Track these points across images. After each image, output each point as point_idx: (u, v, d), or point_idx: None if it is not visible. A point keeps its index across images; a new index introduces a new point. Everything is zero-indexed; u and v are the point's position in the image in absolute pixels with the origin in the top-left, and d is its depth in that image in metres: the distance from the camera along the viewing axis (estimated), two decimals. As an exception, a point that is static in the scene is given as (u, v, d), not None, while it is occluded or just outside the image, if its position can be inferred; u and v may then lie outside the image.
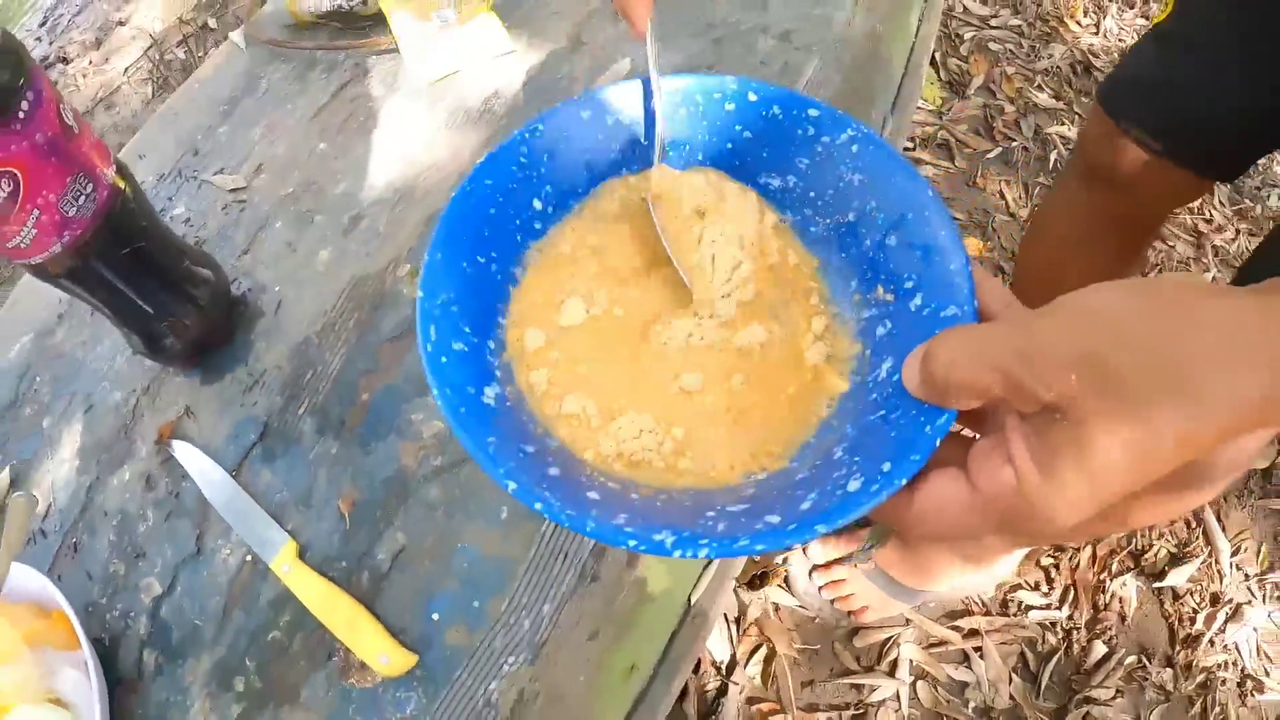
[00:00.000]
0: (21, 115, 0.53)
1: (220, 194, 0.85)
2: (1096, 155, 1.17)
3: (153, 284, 0.67)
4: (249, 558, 0.65)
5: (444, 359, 0.44)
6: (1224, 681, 1.57)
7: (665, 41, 0.86)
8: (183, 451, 0.69)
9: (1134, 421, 0.31)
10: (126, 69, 2.74)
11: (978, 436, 0.40)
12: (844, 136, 0.53)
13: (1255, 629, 1.63)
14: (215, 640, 0.65)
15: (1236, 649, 1.62)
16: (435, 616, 0.61)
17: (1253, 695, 1.57)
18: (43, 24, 3.05)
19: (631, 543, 0.38)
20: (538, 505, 0.38)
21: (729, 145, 0.56)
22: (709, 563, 0.92)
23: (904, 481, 0.38)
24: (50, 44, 2.94)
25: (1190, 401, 0.30)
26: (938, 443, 0.40)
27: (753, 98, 0.55)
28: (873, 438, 0.44)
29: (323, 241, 0.78)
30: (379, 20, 0.93)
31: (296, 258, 0.78)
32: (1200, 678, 1.57)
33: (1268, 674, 1.60)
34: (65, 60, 2.84)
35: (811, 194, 0.55)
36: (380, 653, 0.58)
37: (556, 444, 0.47)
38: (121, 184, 0.62)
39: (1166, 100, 1.07)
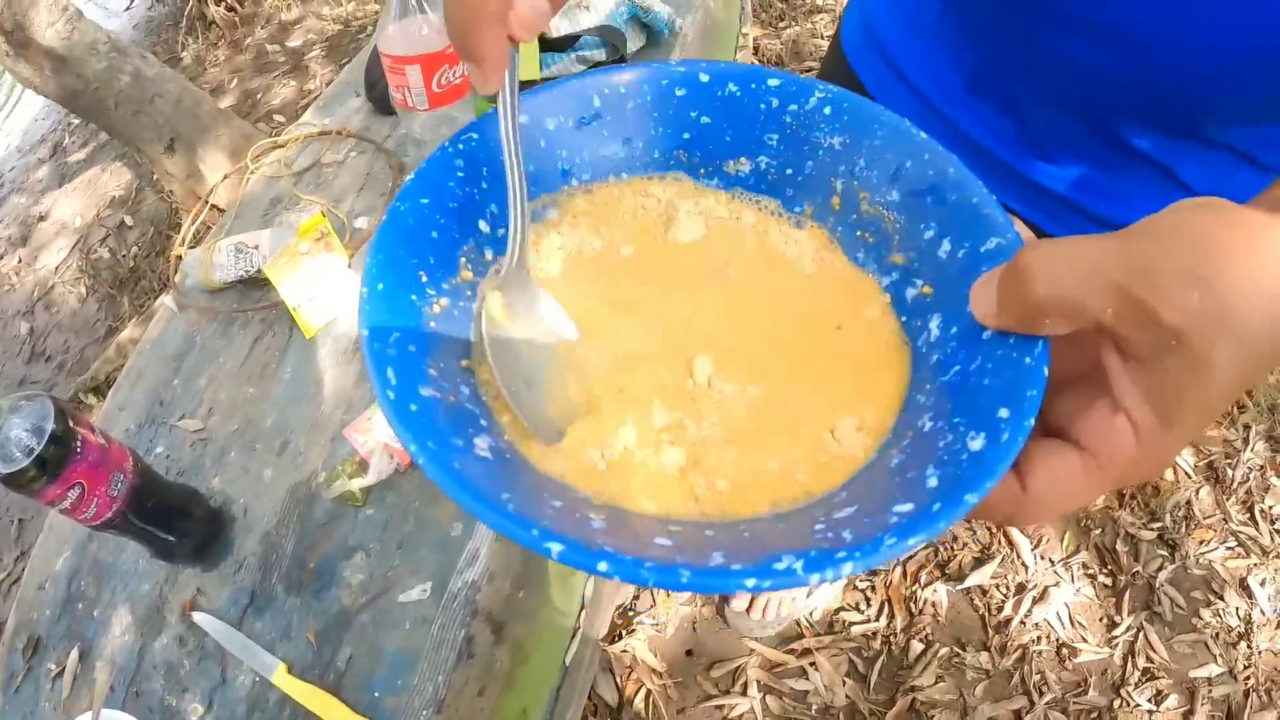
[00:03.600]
0: (78, 449, 0.86)
1: (187, 435, 1.17)
2: None
3: (164, 518, 0.99)
4: (257, 679, 0.96)
5: (413, 407, 0.36)
6: (1040, 653, 1.76)
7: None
8: (201, 619, 1.01)
9: (1243, 348, 0.29)
10: (57, 268, 2.95)
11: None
12: (813, 101, 0.49)
13: (1066, 604, 1.82)
14: (245, 734, 0.96)
15: (1048, 624, 1.79)
16: (376, 693, 0.92)
17: (1070, 660, 1.76)
18: (-40, 215, 3.29)
19: (750, 581, 0.30)
20: (601, 566, 0.31)
21: (686, 136, 0.51)
22: (576, 629, 1.27)
23: (1032, 423, 0.34)
24: (-27, 237, 3.18)
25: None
26: (1045, 373, 0.35)
27: (704, 78, 0.50)
28: (961, 395, 0.39)
29: (265, 463, 1.11)
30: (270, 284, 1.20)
31: (249, 476, 1.11)
32: (1016, 654, 1.76)
33: (1084, 639, 1.78)
34: (-5, 257, 3.07)
35: (789, 171, 0.51)
36: (346, 720, 0.92)
37: (590, 497, 0.39)
38: (139, 465, 0.96)
39: None
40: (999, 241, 0.41)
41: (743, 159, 0.51)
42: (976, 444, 0.35)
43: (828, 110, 0.49)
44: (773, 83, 0.49)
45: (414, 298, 0.42)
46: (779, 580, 0.30)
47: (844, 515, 0.36)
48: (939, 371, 0.41)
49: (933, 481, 0.35)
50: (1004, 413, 0.35)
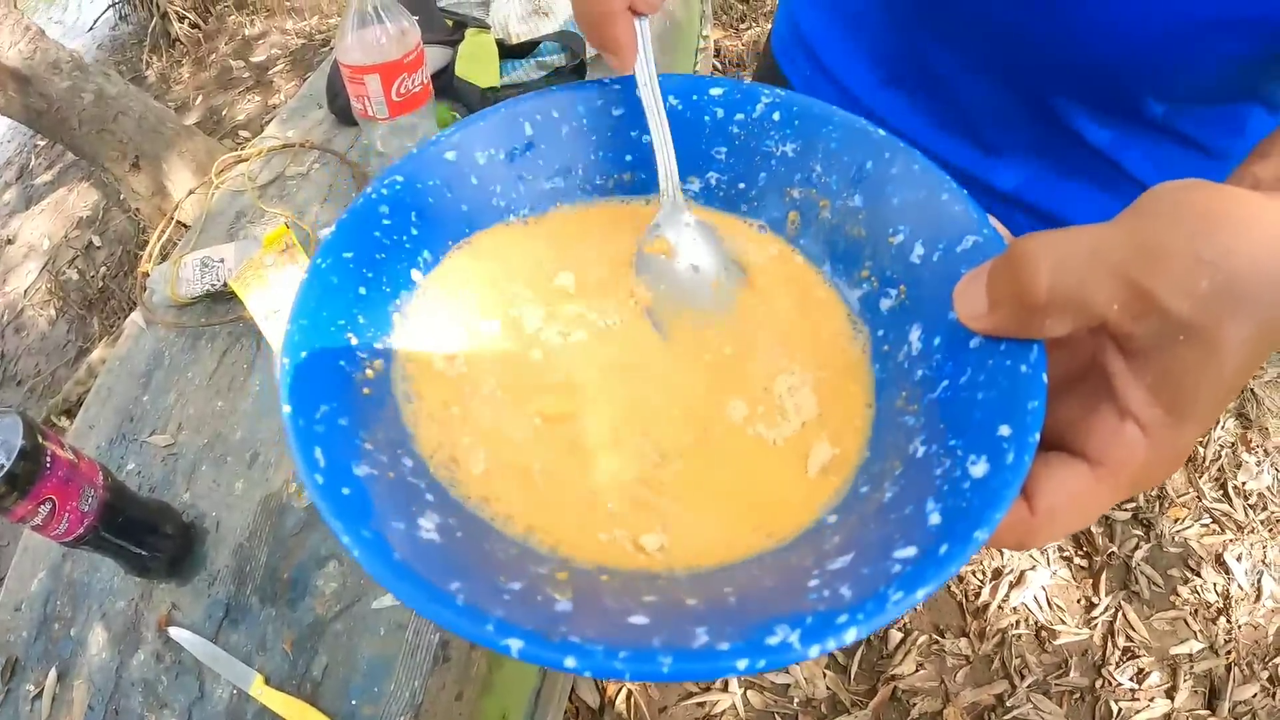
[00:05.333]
0: (48, 465, 0.87)
1: (157, 450, 1.17)
2: None
3: (136, 533, 0.99)
4: (235, 691, 0.96)
5: (345, 490, 0.33)
6: (1020, 637, 1.78)
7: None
8: (177, 633, 1.01)
9: (1255, 326, 0.28)
10: (26, 291, 2.95)
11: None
12: (759, 107, 0.46)
13: (1043, 587, 1.84)
14: (224, 746, 0.96)
15: (1027, 607, 1.81)
16: (354, 701, 0.92)
17: (1050, 642, 1.78)
18: (-73, 242, 3.28)
19: (742, 663, 0.28)
20: (569, 662, 0.27)
21: (628, 158, 0.48)
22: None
23: (1037, 439, 0.31)
24: (-57, 266, 3.15)
25: None
26: (1045, 380, 0.33)
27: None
28: (953, 413, 0.36)
29: (235, 476, 1.11)
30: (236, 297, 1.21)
31: (221, 490, 1.10)
32: (996, 638, 1.78)
33: (1063, 621, 1.80)
34: (-36, 283, 3.04)
35: (741, 185, 0.48)
36: (325, 730, 0.92)
37: (553, 568, 0.35)
38: (109, 480, 0.96)
39: None
40: (975, 239, 0.38)
41: (692, 178, 0.49)
42: (978, 469, 0.32)
43: (776, 116, 0.46)
44: (715, 92, 0.47)
45: (343, 364, 0.38)
46: (774, 657, 0.28)
47: (840, 566, 0.33)
48: (926, 388, 0.38)
49: (935, 518, 0.32)
50: (1005, 430, 0.32)
